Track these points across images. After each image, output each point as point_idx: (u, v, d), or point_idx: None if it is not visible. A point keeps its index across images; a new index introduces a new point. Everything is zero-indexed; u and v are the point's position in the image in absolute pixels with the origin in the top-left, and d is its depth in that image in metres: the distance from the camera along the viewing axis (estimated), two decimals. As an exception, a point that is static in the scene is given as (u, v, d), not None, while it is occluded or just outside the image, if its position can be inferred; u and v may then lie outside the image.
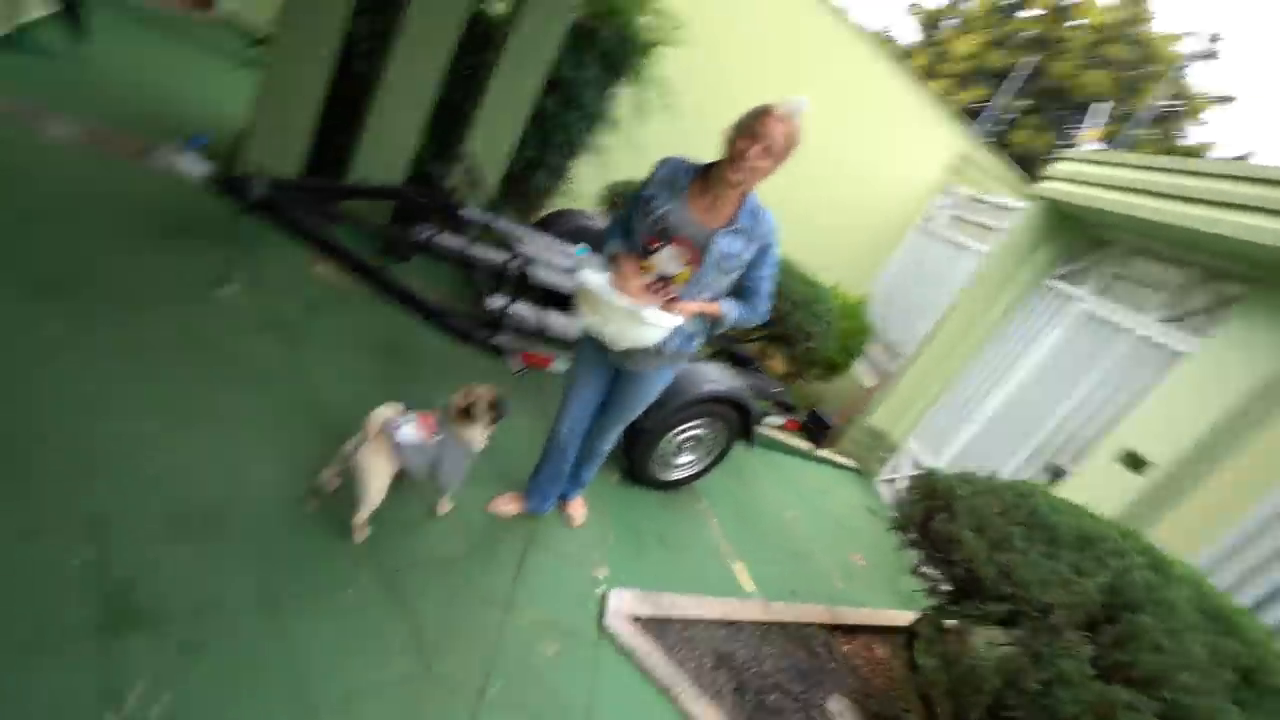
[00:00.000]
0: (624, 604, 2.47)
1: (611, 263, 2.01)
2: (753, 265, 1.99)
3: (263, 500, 2.00)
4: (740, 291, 2.06)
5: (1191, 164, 4.17)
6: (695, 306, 1.95)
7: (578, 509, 2.75)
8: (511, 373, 2.66)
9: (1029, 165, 10.56)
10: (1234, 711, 1.80)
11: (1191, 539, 3.22)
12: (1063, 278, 5.17)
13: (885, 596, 4.08)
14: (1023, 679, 1.89)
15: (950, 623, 2.69)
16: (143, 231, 2.94)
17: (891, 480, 5.70)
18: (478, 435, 2.17)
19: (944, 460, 5.24)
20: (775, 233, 1.95)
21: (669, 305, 1.89)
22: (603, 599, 2.46)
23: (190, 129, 3.66)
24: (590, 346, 2.19)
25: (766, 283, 2.04)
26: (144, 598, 1.60)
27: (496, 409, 2.15)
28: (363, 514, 2.01)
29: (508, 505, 2.57)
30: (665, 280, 1.95)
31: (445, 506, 2.38)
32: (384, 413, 2.01)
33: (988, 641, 2.19)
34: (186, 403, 2.18)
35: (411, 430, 2.10)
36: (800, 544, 3.95)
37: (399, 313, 2.81)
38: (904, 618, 3.85)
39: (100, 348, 2.19)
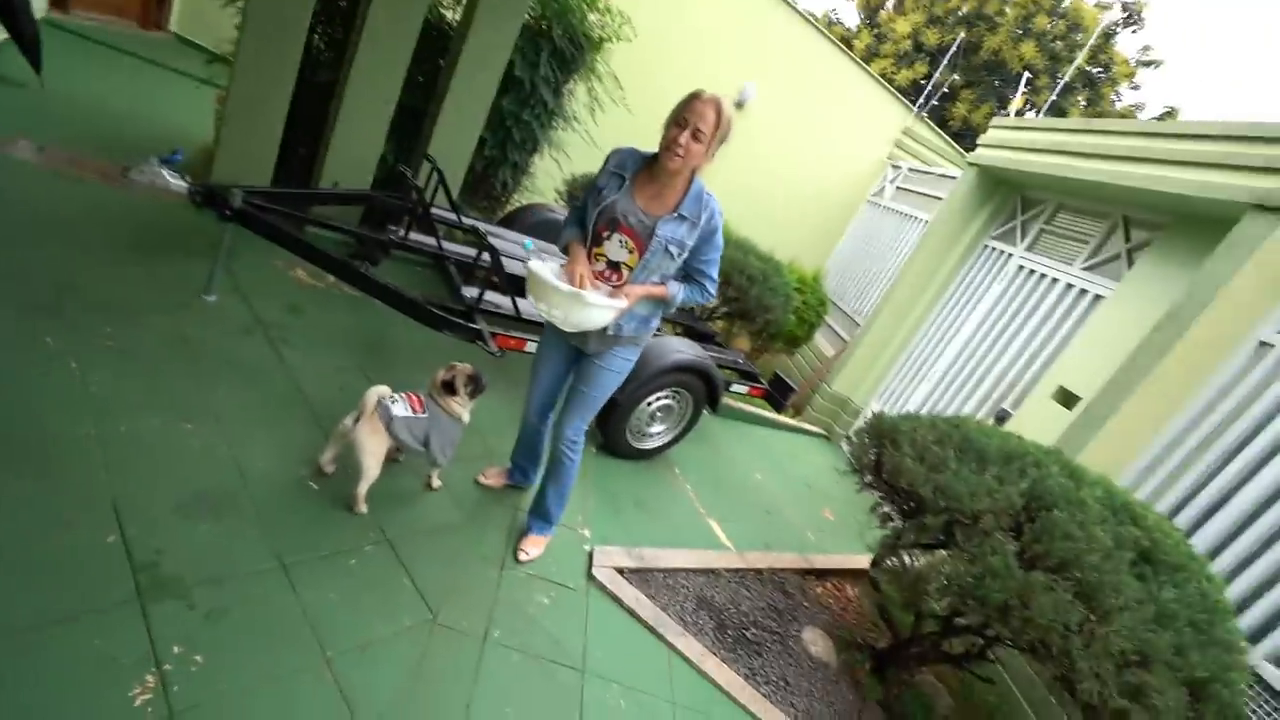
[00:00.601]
0: (609, 558, 2.70)
1: (565, 252, 2.16)
2: (698, 249, 2.08)
3: (266, 483, 2.17)
4: (687, 274, 2.18)
5: (1100, 124, 4.55)
6: (641, 290, 2.05)
7: (532, 545, 2.50)
8: (492, 354, 2.85)
9: (969, 137, 11.05)
10: (1133, 582, 2.11)
11: (1115, 461, 3.57)
12: (999, 237, 5.54)
13: (854, 545, 4.36)
14: (959, 576, 2.17)
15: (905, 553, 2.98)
16: (125, 247, 3.05)
17: (857, 441, 6.03)
18: (460, 408, 2.35)
19: (903, 417, 5.59)
20: (718, 217, 2.05)
21: (617, 290, 2.03)
22: (589, 555, 2.68)
23: (158, 147, 3.75)
24: (551, 331, 2.33)
25: (712, 266, 2.15)
26: (170, 571, 1.77)
27: (475, 382, 2.34)
28: (362, 487, 2.20)
29: (494, 478, 2.77)
30: (615, 267, 2.09)
31: (437, 482, 2.57)
32: (378, 391, 2.19)
33: (929, 560, 2.48)
34: (184, 401, 2.33)
35: (402, 406, 2.29)
36: (772, 503, 4.21)
37: (377, 312, 2.98)
38: (871, 561, 4.18)
39: (97, 356, 2.32)
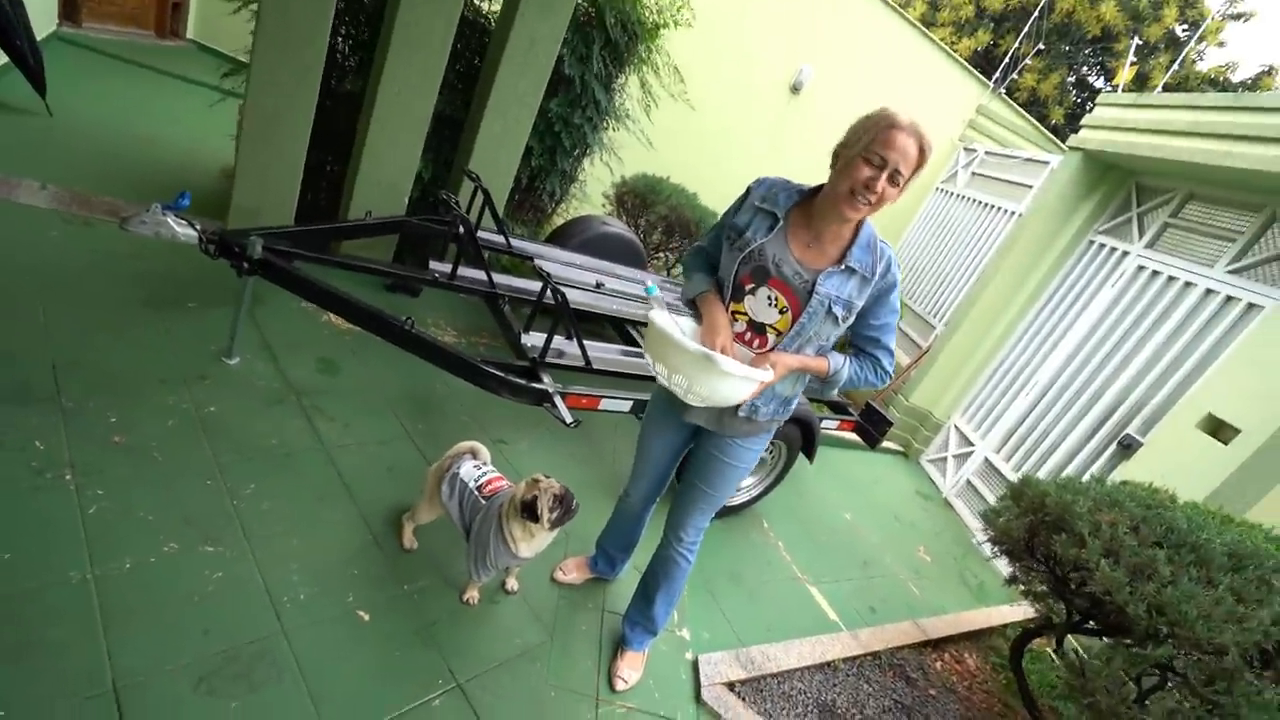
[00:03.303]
0: (717, 670, 2.23)
1: (692, 307, 1.69)
2: (869, 312, 1.61)
3: (308, 622, 1.74)
4: (854, 345, 1.71)
5: (1248, 100, 3.84)
6: (795, 361, 1.58)
7: (629, 667, 2.05)
8: (566, 425, 2.38)
9: (1039, 109, 10.13)
10: None
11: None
12: (1108, 231, 4.86)
13: (957, 591, 3.89)
14: (1200, 733, 1.65)
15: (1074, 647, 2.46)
16: (137, 303, 2.64)
17: (940, 460, 5.46)
18: (527, 540, 1.83)
19: (996, 436, 5.00)
20: (895, 270, 1.58)
21: (761, 359, 1.56)
22: (694, 667, 2.22)
23: (170, 181, 3.35)
24: (663, 399, 1.86)
25: (888, 334, 1.66)
26: (194, 769, 1.36)
27: (563, 505, 1.79)
28: (409, 521, 2.08)
29: (573, 572, 2.32)
30: (759, 330, 1.62)
31: (513, 583, 2.14)
32: (470, 444, 2.05)
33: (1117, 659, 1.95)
34: (206, 512, 1.91)
35: (470, 469, 1.88)
36: (866, 550, 3.74)
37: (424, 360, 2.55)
38: (985, 618, 3.65)
39: (100, 459, 1.91)
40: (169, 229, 2.26)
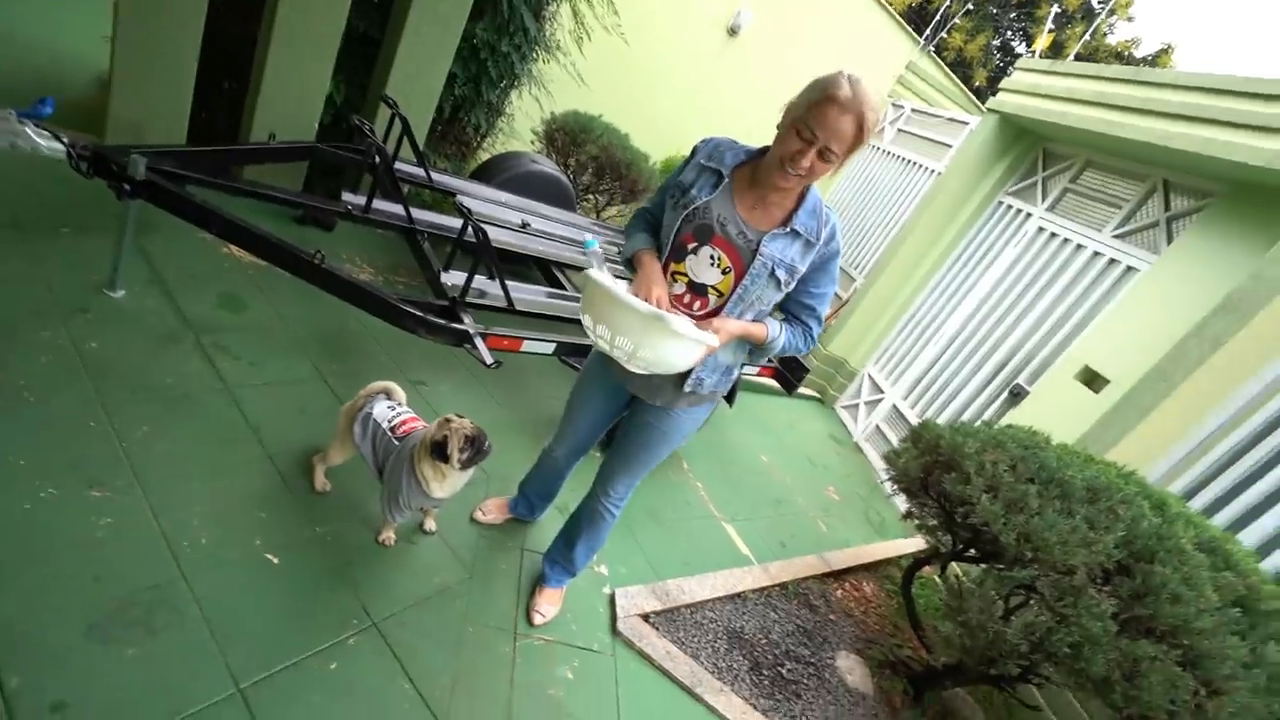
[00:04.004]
0: (633, 603, 2.34)
1: (630, 266, 1.62)
2: (809, 278, 1.56)
3: (212, 566, 1.68)
4: (787, 310, 1.66)
5: (1151, 74, 4.09)
6: (738, 327, 1.51)
7: (547, 602, 2.10)
8: (486, 366, 2.34)
9: (965, 70, 10.42)
10: (1238, 644, 1.87)
11: (1146, 457, 3.37)
12: (1016, 193, 5.14)
13: (861, 528, 4.20)
14: (1051, 643, 1.89)
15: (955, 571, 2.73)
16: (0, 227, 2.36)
17: (853, 406, 5.79)
18: (439, 479, 1.81)
19: (904, 384, 5.33)
20: (839, 239, 1.54)
21: (703, 323, 1.49)
22: (611, 600, 2.32)
23: (33, 88, 2.92)
24: (599, 362, 1.82)
25: (823, 303, 1.61)
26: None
27: (474, 446, 1.75)
28: (320, 462, 2.02)
29: (493, 513, 2.34)
30: (699, 291, 1.57)
31: (431, 524, 2.13)
32: (384, 384, 2.00)
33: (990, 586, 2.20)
34: (90, 455, 1.78)
35: (384, 410, 1.87)
36: (780, 490, 3.96)
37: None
38: (883, 550, 3.98)
39: (-37, 395, 1.73)
40: (28, 139, 2.01)
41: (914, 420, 5.10)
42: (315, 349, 2.65)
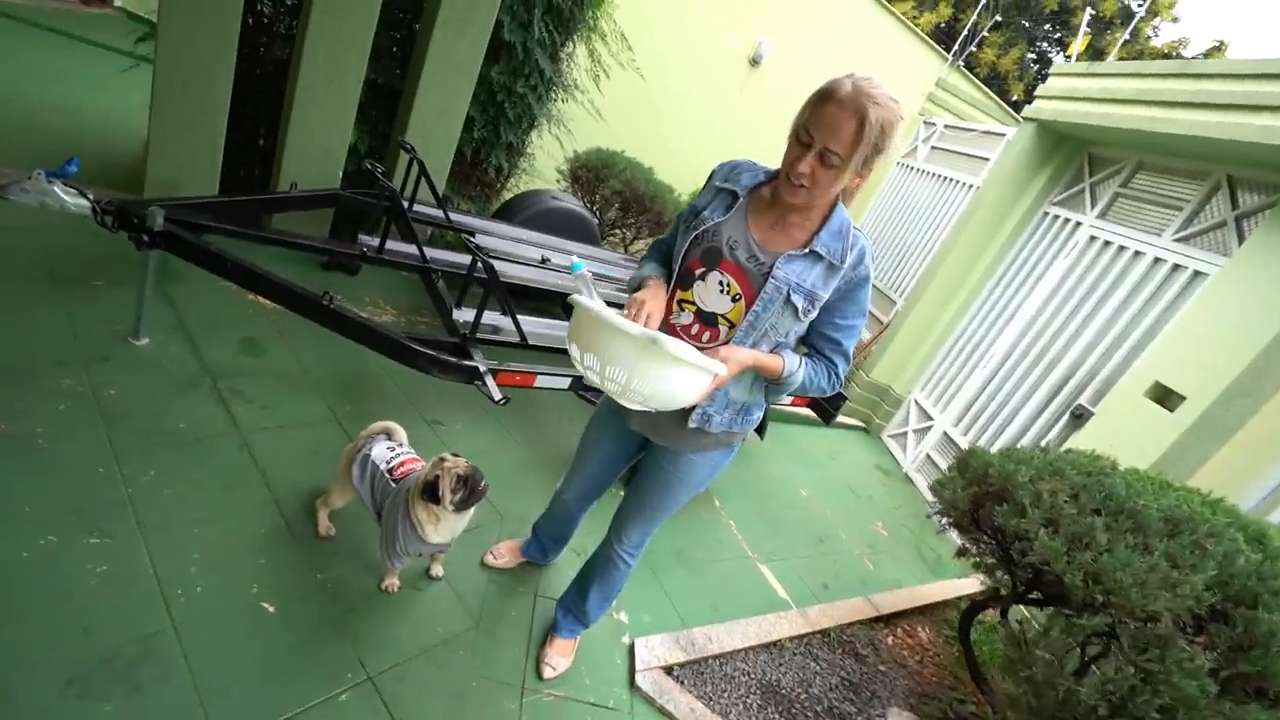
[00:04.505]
0: (654, 653, 2.16)
1: (634, 293, 1.43)
2: (834, 307, 1.38)
3: (204, 616, 1.62)
4: (809, 343, 1.47)
5: (1198, 66, 3.83)
6: (749, 356, 1.32)
7: (559, 654, 1.95)
8: (494, 403, 2.27)
9: (1000, 85, 10.16)
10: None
11: (1236, 481, 3.01)
12: (1062, 203, 4.86)
13: (913, 565, 3.89)
14: (1136, 705, 1.63)
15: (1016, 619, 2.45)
16: (35, 279, 2.45)
17: (901, 435, 5.48)
18: (433, 523, 1.70)
19: (954, 410, 5.01)
20: (869, 263, 1.35)
21: (709, 353, 1.30)
22: (630, 651, 2.15)
23: (80, 154, 3.11)
24: (609, 404, 1.69)
25: (850, 336, 1.42)
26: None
27: (467, 486, 1.65)
28: (323, 506, 1.98)
29: (505, 556, 2.22)
30: (709, 322, 1.41)
31: (438, 569, 2.03)
32: (385, 424, 1.96)
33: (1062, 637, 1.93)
34: (96, 500, 1.77)
35: (383, 450, 1.79)
36: (821, 526, 3.71)
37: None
38: (939, 591, 3.66)
39: (-22, 445, 1.76)
40: (55, 198, 2.08)
41: (966, 448, 4.76)
42: (332, 391, 2.64)
